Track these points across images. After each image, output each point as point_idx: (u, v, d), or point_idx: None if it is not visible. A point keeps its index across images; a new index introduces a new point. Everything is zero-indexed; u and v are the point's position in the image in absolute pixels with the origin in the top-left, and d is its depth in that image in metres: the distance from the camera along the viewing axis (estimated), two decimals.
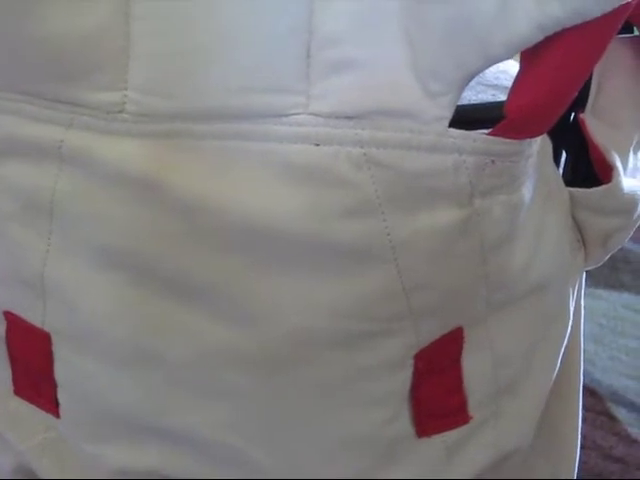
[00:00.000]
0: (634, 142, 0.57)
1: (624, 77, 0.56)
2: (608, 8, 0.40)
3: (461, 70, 0.43)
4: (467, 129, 0.46)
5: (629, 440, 1.34)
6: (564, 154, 0.60)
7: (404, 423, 0.52)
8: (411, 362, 0.50)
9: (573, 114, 0.56)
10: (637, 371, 1.44)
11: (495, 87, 0.68)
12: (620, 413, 1.37)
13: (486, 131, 0.46)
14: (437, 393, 0.53)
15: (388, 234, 0.45)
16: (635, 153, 0.58)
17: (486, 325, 0.53)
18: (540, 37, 0.42)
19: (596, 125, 0.55)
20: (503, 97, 0.46)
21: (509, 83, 0.44)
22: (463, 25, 0.42)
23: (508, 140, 0.46)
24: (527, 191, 0.50)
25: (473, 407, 0.54)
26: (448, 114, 0.44)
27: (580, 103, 0.55)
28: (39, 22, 0.43)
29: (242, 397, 0.49)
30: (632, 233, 0.58)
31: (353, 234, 0.45)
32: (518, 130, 0.46)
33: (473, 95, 0.45)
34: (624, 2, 0.40)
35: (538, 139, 0.49)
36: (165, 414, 0.50)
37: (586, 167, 0.56)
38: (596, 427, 1.34)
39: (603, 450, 1.32)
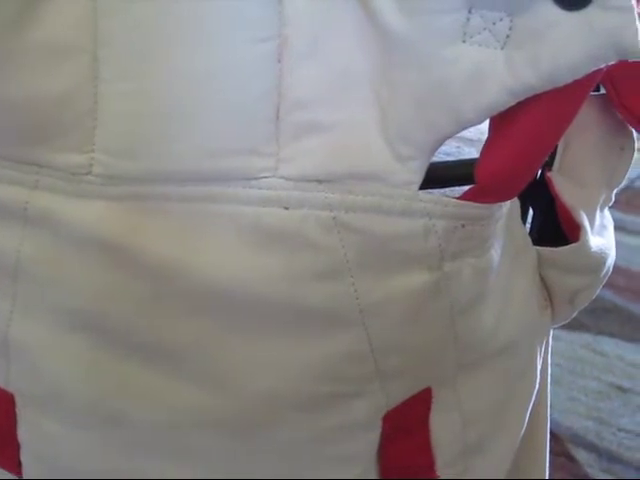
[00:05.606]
0: (601, 200, 0.57)
1: (591, 135, 0.56)
2: (580, 75, 0.40)
3: (432, 135, 0.43)
4: (434, 187, 0.46)
5: None
6: (531, 211, 0.60)
7: None
8: (379, 423, 0.50)
9: (540, 171, 0.56)
10: (597, 412, 1.44)
11: (459, 139, 0.68)
12: (579, 454, 1.37)
13: (456, 193, 0.46)
14: (405, 453, 0.52)
15: (357, 297, 0.45)
16: (602, 211, 0.58)
17: (455, 385, 0.52)
18: (512, 102, 0.42)
19: (563, 183, 0.55)
20: (467, 149, 0.46)
21: (473, 135, 0.44)
22: (434, 90, 0.42)
23: (479, 204, 0.45)
24: (496, 253, 0.50)
25: (441, 466, 0.54)
26: (418, 179, 0.44)
27: (547, 161, 0.55)
28: (4, 85, 0.42)
29: (209, 459, 0.48)
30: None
31: (322, 297, 0.45)
32: (489, 195, 0.46)
33: None
34: (596, 69, 0.40)
35: (508, 201, 0.49)
36: (130, 477, 0.49)
37: (553, 225, 0.56)
38: (556, 469, 1.33)
39: None
